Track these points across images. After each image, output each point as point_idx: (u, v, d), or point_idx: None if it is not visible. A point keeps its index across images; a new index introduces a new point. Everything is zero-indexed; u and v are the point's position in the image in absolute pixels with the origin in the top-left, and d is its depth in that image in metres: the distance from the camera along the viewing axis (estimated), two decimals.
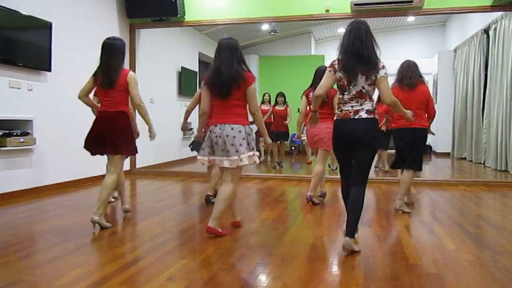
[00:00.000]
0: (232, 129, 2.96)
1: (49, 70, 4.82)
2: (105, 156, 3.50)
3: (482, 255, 2.65)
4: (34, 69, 4.68)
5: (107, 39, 3.37)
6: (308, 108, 4.22)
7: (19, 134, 4.41)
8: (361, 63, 2.69)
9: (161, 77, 7.61)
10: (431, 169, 7.76)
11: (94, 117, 3.45)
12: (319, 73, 3.99)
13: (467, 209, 4.12)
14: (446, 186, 5.46)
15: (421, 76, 3.95)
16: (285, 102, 7.56)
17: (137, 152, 3.51)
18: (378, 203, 4.47)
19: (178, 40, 8.35)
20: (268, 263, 2.50)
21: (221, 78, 2.94)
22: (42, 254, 2.70)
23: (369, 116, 2.72)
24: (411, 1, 5.54)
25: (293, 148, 10.37)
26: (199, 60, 9.44)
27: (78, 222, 3.46)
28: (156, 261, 2.52)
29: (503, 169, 6.77)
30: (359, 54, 2.69)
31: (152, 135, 3.52)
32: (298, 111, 4.76)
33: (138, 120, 3.59)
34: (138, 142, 3.55)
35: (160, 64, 7.51)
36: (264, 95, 7.93)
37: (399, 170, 4.33)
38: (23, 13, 4.44)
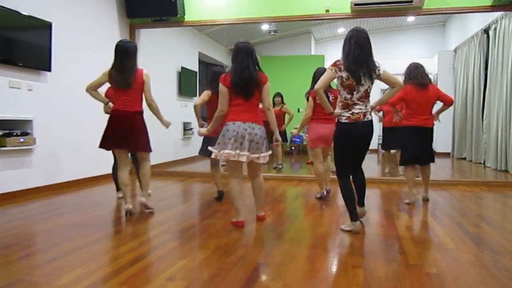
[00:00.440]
0: (259, 128, 3.25)
1: (49, 70, 4.82)
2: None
3: (482, 255, 2.65)
4: (34, 69, 4.68)
5: (120, 41, 3.64)
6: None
7: (19, 134, 4.41)
8: (362, 66, 2.97)
9: (161, 77, 7.59)
10: (431, 169, 7.72)
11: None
12: (318, 75, 4.02)
13: (467, 209, 4.12)
14: (446, 186, 5.45)
15: (427, 76, 4.16)
16: (282, 102, 7.48)
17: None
18: (378, 203, 4.48)
19: (178, 40, 8.35)
20: (268, 263, 2.50)
21: (246, 79, 3.16)
22: (42, 254, 2.69)
23: (371, 117, 3.09)
24: (411, 1, 5.54)
25: (293, 148, 10.36)
26: (199, 60, 9.43)
27: (78, 222, 3.46)
28: (156, 261, 2.53)
29: (503, 169, 6.77)
30: (360, 59, 2.97)
31: (167, 125, 3.92)
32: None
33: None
34: None
35: (160, 64, 7.50)
36: None
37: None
38: (23, 13, 4.44)
